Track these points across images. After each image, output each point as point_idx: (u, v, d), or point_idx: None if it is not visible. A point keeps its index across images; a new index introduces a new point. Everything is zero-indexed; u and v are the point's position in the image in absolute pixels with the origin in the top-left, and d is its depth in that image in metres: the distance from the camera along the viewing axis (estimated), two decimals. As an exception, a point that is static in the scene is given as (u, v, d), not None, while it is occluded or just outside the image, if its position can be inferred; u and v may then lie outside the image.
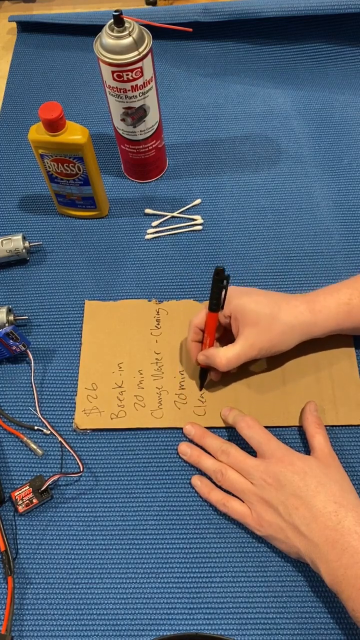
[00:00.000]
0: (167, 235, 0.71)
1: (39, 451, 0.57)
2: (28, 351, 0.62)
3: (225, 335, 0.60)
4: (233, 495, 0.53)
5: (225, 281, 0.53)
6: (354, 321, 0.55)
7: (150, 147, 0.70)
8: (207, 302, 0.56)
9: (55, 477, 0.55)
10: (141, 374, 0.61)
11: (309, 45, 0.85)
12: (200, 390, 0.60)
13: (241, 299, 0.55)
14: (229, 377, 0.60)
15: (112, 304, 0.66)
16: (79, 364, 0.62)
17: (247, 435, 0.53)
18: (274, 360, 0.60)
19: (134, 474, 0.56)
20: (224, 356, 0.54)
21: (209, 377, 0.60)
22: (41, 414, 0.60)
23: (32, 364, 0.62)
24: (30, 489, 0.55)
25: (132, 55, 0.58)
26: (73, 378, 0.62)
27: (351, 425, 0.57)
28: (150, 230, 0.71)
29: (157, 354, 0.62)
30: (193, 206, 0.73)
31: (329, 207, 0.72)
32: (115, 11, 0.57)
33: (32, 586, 0.52)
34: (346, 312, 0.55)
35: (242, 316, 0.55)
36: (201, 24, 0.84)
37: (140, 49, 0.59)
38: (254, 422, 0.54)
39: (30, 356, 0.62)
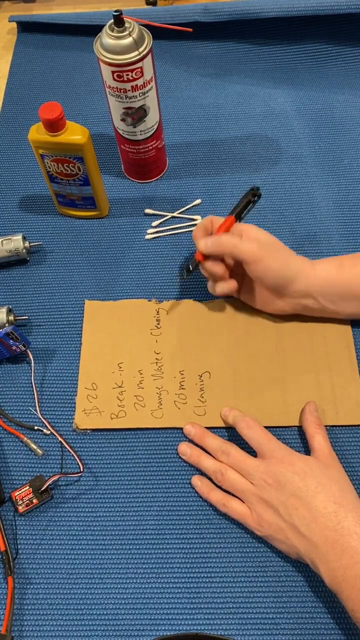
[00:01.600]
0: (167, 235, 0.71)
1: (39, 451, 0.58)
2: (28, 351, 0.62)
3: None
4: (233, 495, 0.53)
5: (257, 197, 0.59)
6: (345, 279, 0.57)
7: (150, 147, 0.70)
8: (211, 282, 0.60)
9: (55, 477, 0.55)
10: (141, 374, 0.61)
11: (309, 45, 0.85)
12: (186, 275, 0.62)
13: (256, 227, 0.58)
14: (227, 376, 0.60)
15: (112, 304, 0.66)
16: (79, 364, 0.62)
17: (247, 435, 0.53)
18: (275, 352, 0.61)
19: (134, 474, 0.56)
20: (227, 238, 0.57)
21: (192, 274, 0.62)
22: (41, 414, 0.60)
23: (32, 364, 0.62)
24: (30, 489, 0.55)
25: (132, 55, 0.58)
26: (73, 378, 0.62)
27: (351, 425, 0.57)
28: (150, 230, 0.71)
29: (157, 354, 0.62)
30: (193, 206, 0.73)
31: (329, 207, 0.72)
32: (115, 11, 0.57)
33: (32, 586, 0.52)
34: (338, 266, 0.58)
35: (254, 234, 0.57)
36: (201, 24, 0.84)
37: (140, 49, 0.59)
38: (254, 423, 0.54)
39: (30, 356, 0.62)
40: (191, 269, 0.61)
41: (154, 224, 0.72)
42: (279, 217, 0.71)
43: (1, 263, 0.69)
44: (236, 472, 0.52)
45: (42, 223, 0.73)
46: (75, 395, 0.60)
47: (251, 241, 0.57)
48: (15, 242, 0.67)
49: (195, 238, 0.60)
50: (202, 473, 0.55)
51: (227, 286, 0.60)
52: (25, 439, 0.58)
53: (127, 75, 0.60)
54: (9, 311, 0.63)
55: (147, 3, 0.93)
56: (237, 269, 0.61)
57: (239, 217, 0.60)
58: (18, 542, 0.54)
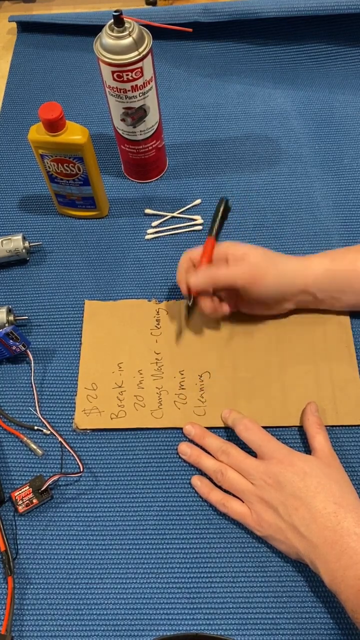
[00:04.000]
0: (167, 235, 0.71)
1: (39, 451, 0.58)
2: (28, 351, 0.62)
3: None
4: (233, 495, 0.53)
5: (227, 211, 0.59)
6: (340, 270, 0.58)
7: (150, 147, 0.70)
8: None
9: (55, 477, 0.55)
10: (141, 374, 0.61)
11: (309, 45, 0.85)
12: (188, 319, 0.62)
13: (238, 244, 0.59)
14: (227, 376, 0.60)
15: (112, 304, 0.66)
16: (79, 364, 0.62)
17: (246, 438, 0.53)
18: (274, 352, 0.61)
19: (134, 474, 0.56)
20: (217, 270, 0.57)
21: (196, 310, 0.61)
22: (41, 414, 0.60)
23: (32, 364, 0.62)
24: (30, 489, 0.55)
25: (132, 56, 0.58)
26: (73, 378, 0.62)
27: (351, 425, 0.57)
28: (150, 230, 0.71)
29: (157, 354, 0.62)
30: (193, 206, 0.73)
31: (329, 207, 0.72)
32: (115, 11, 0.57)
33: (32, 586, 0.52)
34: (331, 260, 0.58)
35: (240, 252, 0.57)
36: (201, 24, 0.84)
37: (140, 49, 0.59)
38: (252, 424, 0.54)
39: (30, 356, 0.62)
40: (190, 304, 0.60)
41: (154, 224, 0.72)
42: (279, 217, 0.71)
43: (1, 263, 0.69)
44: (236, 472, 0.52)
45: (42, 223, 0.73)
46: (75, 395, 0.60)
47: (241, 264, 0.56)
48: (15, 242, 0.67)
49: (180, 282, 0.59)
50: (202, 473, 0.55)
51: (221, 312, 0.60)
52: (25, 439, 0.58)
53: (127, 75, 0.60)
54: (9, 311, 0.63)
55: (147, 3, 0.93)
56: (230, 290, 0.60)
57: (217, 236, 0.58)
58: (18, 542, 0.54)
